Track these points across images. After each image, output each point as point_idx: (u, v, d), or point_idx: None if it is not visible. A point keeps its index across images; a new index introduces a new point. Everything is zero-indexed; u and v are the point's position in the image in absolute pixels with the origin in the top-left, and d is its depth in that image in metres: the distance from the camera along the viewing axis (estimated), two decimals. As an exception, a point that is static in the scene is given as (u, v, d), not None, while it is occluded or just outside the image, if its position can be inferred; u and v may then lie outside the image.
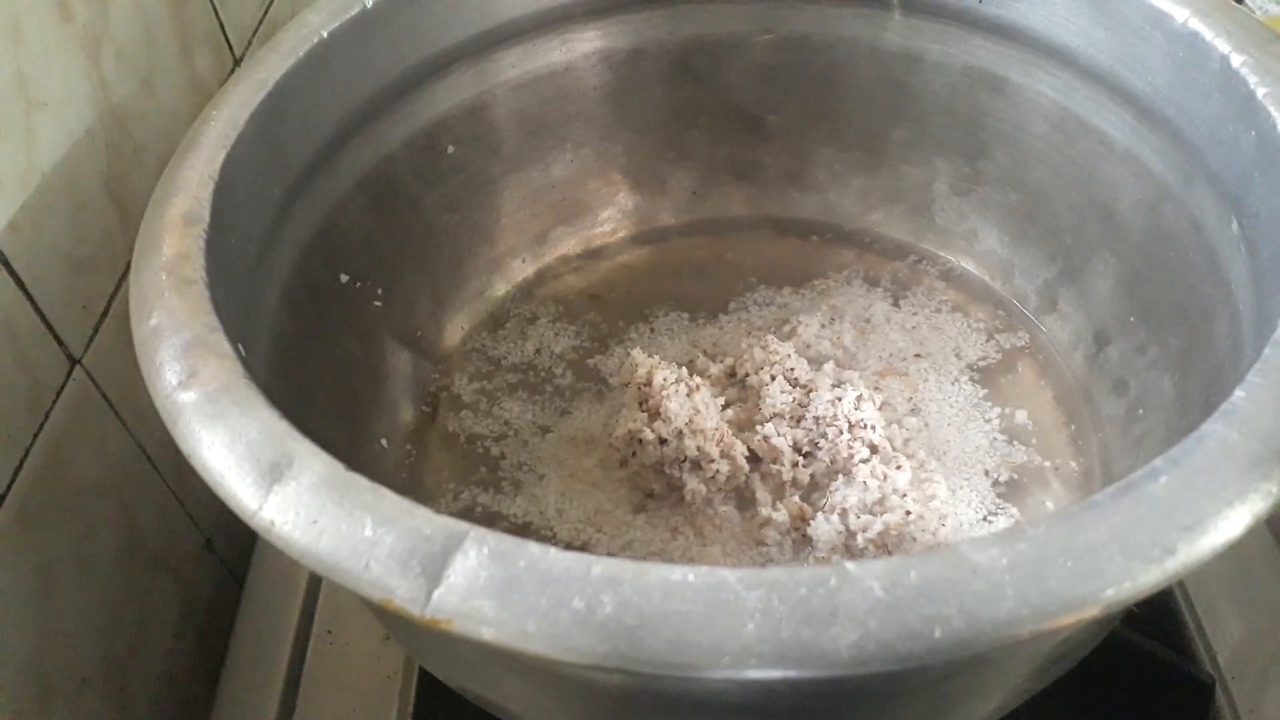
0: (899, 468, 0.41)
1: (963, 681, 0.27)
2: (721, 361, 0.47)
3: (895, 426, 0.44)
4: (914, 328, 0.48)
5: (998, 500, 0.41)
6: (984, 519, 0.41)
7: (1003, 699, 0.29)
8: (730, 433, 0.42)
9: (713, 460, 0.41)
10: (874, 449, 0.42)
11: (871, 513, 0.40)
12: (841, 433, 0.42)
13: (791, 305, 0.50)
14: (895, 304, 0.50)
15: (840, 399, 0.42)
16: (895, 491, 0.40)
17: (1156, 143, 0.39)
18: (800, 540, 0.40)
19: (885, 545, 0.39)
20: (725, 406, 0.45)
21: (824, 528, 0.39)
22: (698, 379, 0.43)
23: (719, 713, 0.26)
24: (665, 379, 0.42)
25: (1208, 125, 0.35)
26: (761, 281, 0.51)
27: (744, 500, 0.42)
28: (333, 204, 0.41)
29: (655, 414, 0.41)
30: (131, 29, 0.41)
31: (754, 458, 0.43)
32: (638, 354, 0.44)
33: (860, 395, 0.42)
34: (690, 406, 0.41)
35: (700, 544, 0.40)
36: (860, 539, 0.39)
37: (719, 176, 0.54)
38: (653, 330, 0.50)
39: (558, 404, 0.47)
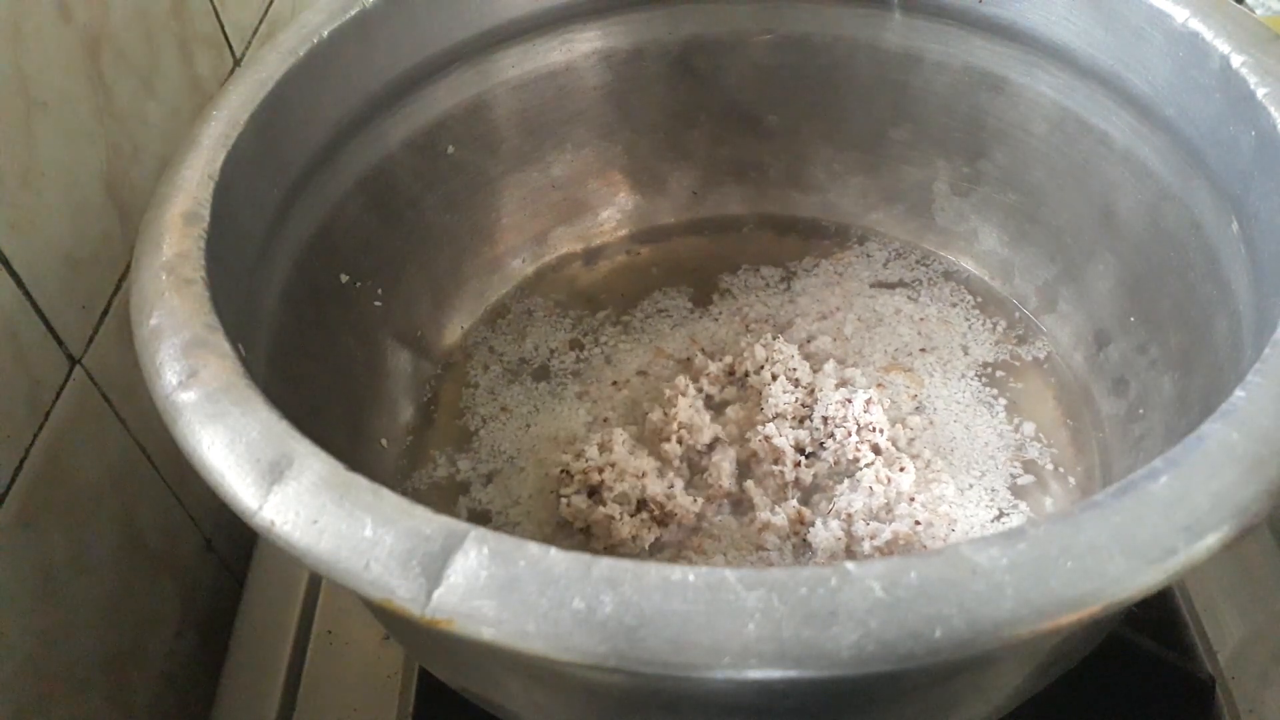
0: (902, 469, 0.41)
1: (963, 681, 0.27)
2: (720, 360, 0.47)
3: (899, 426, 0.44)
4: (921, 320, 0.49)
5: (1010, 498, 0.41)
6: (996, 519, 0.41)
7: (1003, 699, 0.29)
8: (681, 489, 0.41)
9: (673, 514, 0.40)
10: (877, 451, 0.42)
11: (878, 519, 0.40)
12: (850, 434, 0.42)
13: (792, 302, 0.50)
14: (901, 299, 0.50)
15: (850, 400, 0.42)
16: (901, 496, 0.40)
17: (1157, 143, 0.39)
18: (800, 545, 0.40)
19: (893, 554, 0.39)
20: (724, 404, 0.45)
21: (823, 534, 0.39)
22: (620, 436, 0.42)
23: (719, 712, 0.26)
24: (586, 463, 0.41)
25: (1208, 125, 0.35)
26: (761, 279, 0.51)
27: (741, 507, 0.42)
28: (333, 204, 0.41)
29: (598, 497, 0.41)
30: (132, 29, 0.41)
31: (744, 467, 0.43)
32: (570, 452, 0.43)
33: (870, 399, 0.42)
34: (624, 487, 0.40)
35: (703, 559, 0.40)
36: (867, 545, 0.39)
37: (719, 176, 0.54)
38: (651, 329, 0.50)
39: (550, 403, 0.47)
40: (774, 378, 0.44)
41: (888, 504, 0.40)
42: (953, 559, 0.21)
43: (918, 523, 0.39)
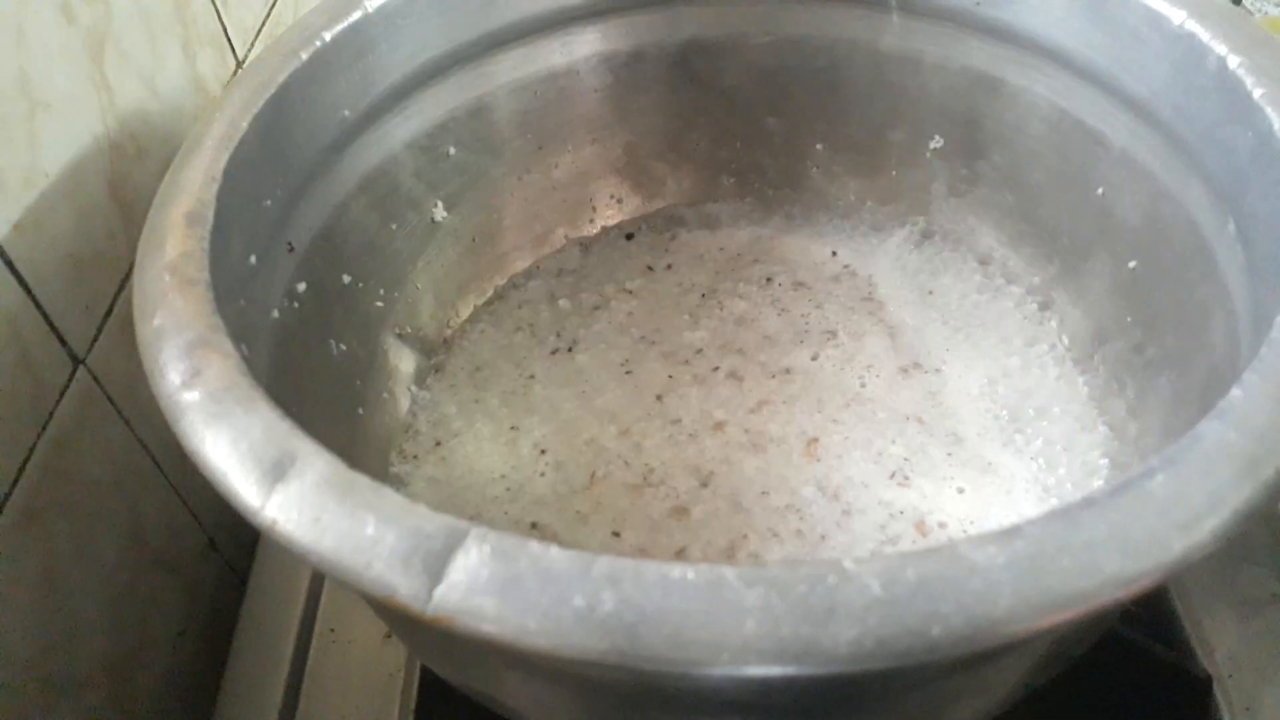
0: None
1: (961, 679, 0.27)
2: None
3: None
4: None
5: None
6: None
7: (1000, 696, 0.30)
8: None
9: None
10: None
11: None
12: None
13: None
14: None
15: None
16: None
17: (1153, 144, 0.39)
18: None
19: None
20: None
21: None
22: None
23: (719, 709, 0.26)
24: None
25: (1205, 126, 0.35)
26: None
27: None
28: (335, 205, 0.41)
29: None
30: (134, 30, 0.41)
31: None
32: None
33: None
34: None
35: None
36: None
37: (719, 178, 0.54)
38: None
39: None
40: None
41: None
42: (950, 557, 0.21)
43: None
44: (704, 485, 0.42)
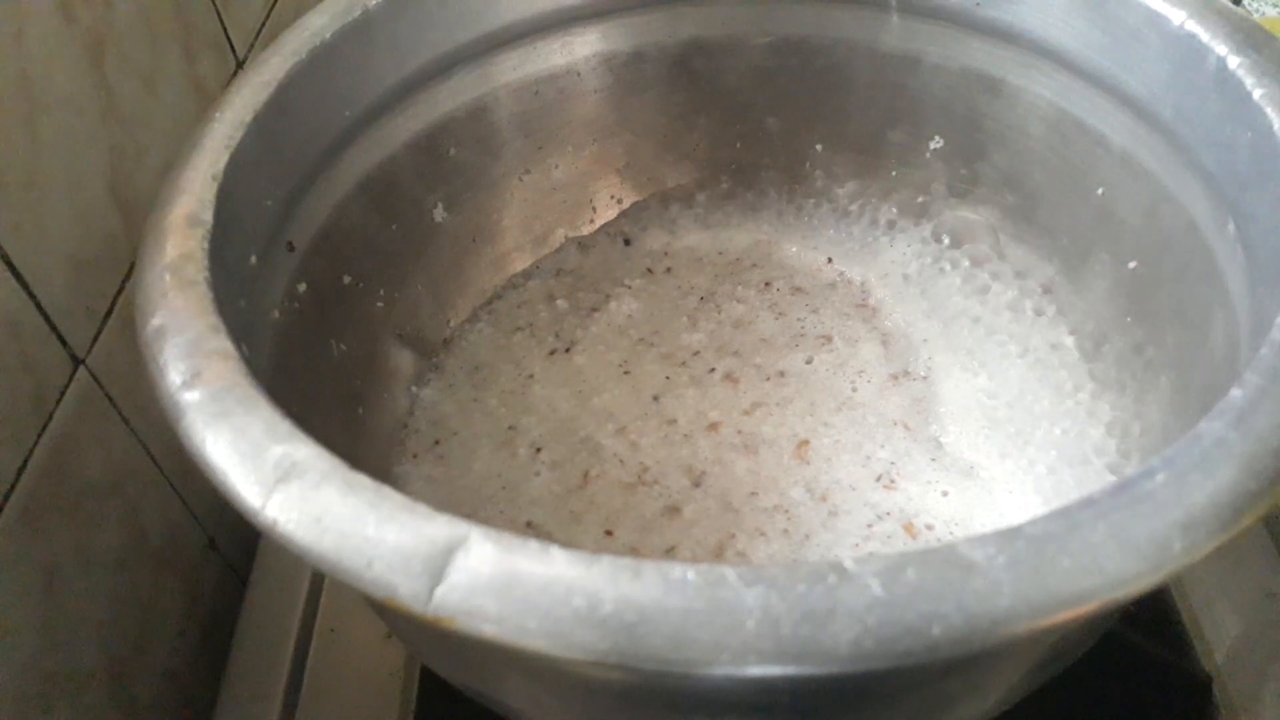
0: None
1: (961, 678, 0.27)
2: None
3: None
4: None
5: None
6: None
7: (1000, 696, 0.30)
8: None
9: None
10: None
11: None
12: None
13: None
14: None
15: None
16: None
17: (1153, 144, 0.39)
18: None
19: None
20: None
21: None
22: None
23: (719, 709, 0.26)
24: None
25: (1205, 126, 0.35)
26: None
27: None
28: (335, 205, 0.42)
29: None
30: (134, 31, 0.41)
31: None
32: None
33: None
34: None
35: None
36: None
37: (719, 178, 0.54)
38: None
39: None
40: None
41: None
42: (950, 557, 0.21)
43: None
44: (696, 485, 0.42)
